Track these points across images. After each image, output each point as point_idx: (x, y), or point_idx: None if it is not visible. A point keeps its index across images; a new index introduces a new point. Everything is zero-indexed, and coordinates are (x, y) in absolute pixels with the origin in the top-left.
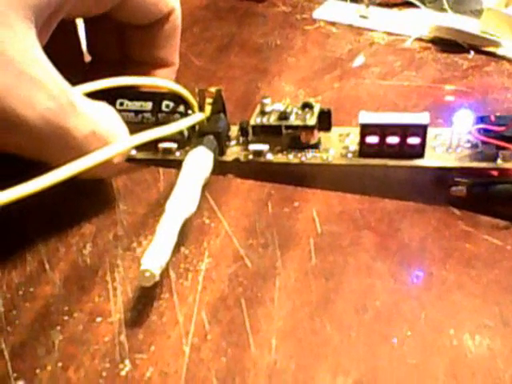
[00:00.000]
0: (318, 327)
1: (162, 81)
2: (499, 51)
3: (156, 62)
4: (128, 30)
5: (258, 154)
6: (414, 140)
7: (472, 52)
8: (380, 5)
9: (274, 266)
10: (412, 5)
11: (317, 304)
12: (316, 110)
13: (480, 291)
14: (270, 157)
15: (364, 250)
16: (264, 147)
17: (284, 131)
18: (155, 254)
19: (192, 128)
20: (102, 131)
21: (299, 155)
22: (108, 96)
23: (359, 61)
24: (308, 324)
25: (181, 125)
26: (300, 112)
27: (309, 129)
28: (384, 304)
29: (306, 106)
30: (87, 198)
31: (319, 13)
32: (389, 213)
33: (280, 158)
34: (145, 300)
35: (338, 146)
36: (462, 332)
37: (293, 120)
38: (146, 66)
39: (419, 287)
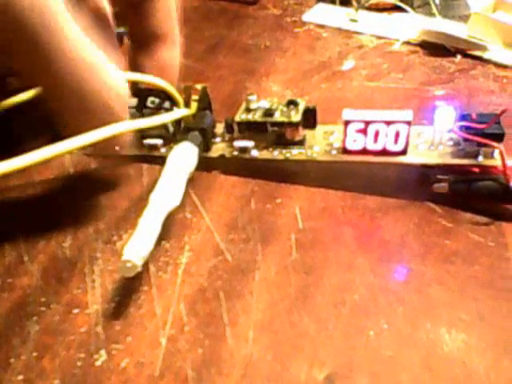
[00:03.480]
0: (296, 320)
1: (148, 77)
2: (485, 55)
3: (156, 38)
4: (124, 5)
5: (243, 150)
6: (397, 137)
7: (459, 56)
8: (369, 9)
9: (254, 260)
10: (401, 9)
11: (295, 297)
12: (301, 107)
13: (458, 286)
14: (255, 153)
15: (344, 245)
16: (249, 144)
17: (269, 128)
18: (137, 245)
19: (177, 125)
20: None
21: (284, 152)
22: None
23: (347, 63)
24: (286, 317)
25: (165, 118)
26: (285, 109)
27: (293, 125)
28: (362, 298)
29: (291, 103)
30: (69, 191)
31: (309, 16)
32: (371, 209)
33: (265, 154)
34: (123, 292)
35: (322, 143)
36: (439, 326)
37: (278, 117)
38: (147, 43)
39: (398, 282)
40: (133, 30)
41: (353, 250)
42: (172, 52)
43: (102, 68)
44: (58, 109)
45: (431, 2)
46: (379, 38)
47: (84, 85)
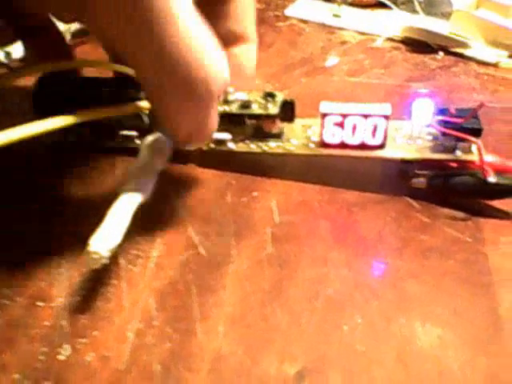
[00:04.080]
0: (269, 314)
1: (115, 65)
2: (467, 52)
3: (233, 38)
4: (200, 4)
5: (220, 142)
6: (375, 130)
7: (441, 53)
8: (352, 5)
9: (228, 254)
10: (384, 6)
11: (269, 291)
12: (279, 99)
13: (433, 281)
14: (231, 146)
15: (320, 239)
16: (226, 136)
17: (247, 121)
18: (104, 236)
19: (153, 116)
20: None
21: (261, 145)
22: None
23: (329, 58)
24: (258, 311)
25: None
26: (263, 101)
27: (271, 118)
28: (337, 292)
29: (269, 95)
30: (38, 181)
31: (292, 10)
32: (348, 204)
33: (242, 147)
34: (91, 286)
35: (300, 136)
36: (413, 321)
37: (255, 109)
38: (224, 43)
39: (373, 276)
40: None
41: (329, 245)
42: (249, 52)
43: (208, 46)
44: (162, 94)
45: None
46: (362, 33)
47: (189, 59)
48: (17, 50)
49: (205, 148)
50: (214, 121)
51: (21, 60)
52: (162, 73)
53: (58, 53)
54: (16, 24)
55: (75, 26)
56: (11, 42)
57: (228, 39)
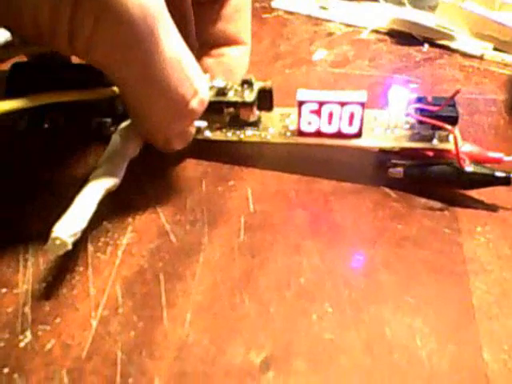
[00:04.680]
0: (237, 302)
1: None
2: (453, 45)
3: (226, 40)
4: (194, 6)
5: (197, 130)
6: (351, 118)
7: (426, 45)
8: None
9: (199, 242)
10: None
11: (239, 280)
12: (256, 87)
13: (406, 270)
14: (208, 134)
15: (295, 228)
16: (202, 124)
17: (225, 110)
18: (68, 222)
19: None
20: (189, 67)
21: (238, 133)
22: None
23: (313, 49)
24: (227, 299)
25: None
26: (239, 89)
27: (247, 105)
28: (308, 281)
29: (246, 82)
30: (8, 165)
31: (278, 2)
32: (324, 194)
33: (218, 135)
34: (56, 273)
35: (278, 125)
36: (383, 309)
37: (231, 96)
38: (217, 46)
39: (345, 265)
40: (202, 32)
41: (303, 234)
42: (241, 56)
43: (193, 73)
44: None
45: None
46: (348, 25)
47: (171, 78)
48: None
49: None
50: (192, 131)
51: (4, 46)
52: (144, 88)
53: None
54: None
55: None
56: None
57: (221, 41)
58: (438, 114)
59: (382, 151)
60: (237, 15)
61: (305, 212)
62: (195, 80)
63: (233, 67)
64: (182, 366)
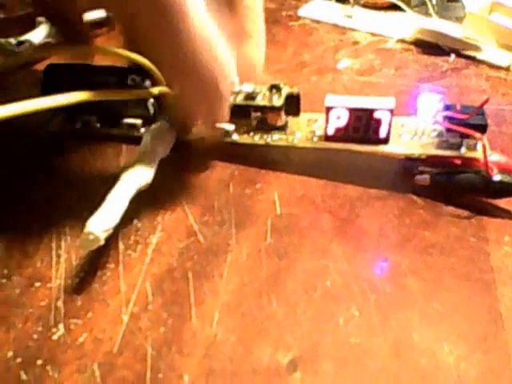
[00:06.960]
0: (264, 303)
1: (129, 53)
2: (479, 55)
3: (240, 35)
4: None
5: (225, 133)
6: (379, 124)
7: (453, 55)
8: (367, 6)
9: (227, 243)
10: (398, 8)
11: (266, 281)
12: (284, 92)
13: (433, 277)
14: (235, 137)
15: (321, 232)
16: (230, 127)
17: (252, 113)
18: (101, 218)
19: (158, 106)
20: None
21: (265, 137)
22: (73, 71)
23: (339, 58)
24: (254, 300)
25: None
26: (268, 93)
27: (275, 110)
28: (334, 285)
29: (274, 87)
30: (44, 167)
31: (305, 11)
32: (351, 199)
33: (246, 138)
34: (88, 268)
35: (305, 130)
36: (410, 315)
37: (259, 100)
38: (231, 41)
39: (372, 271)
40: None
41: (329, 238)
42: (256, 50)
43: (217, 47)
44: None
45: (428, 2)
46: (374, 35)
47: (200, 58)
48: (35, 37)
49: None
50: (225, 114)
51: (40, 46)
52: (176, 66)
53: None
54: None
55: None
56: (26, 31)
57: (235, 37)
58: (467, 122)
59: (409, 158)
60: (249, 11)
61: (331, 217)
62: (224, 63)
63: (248, 66)
64: (210, 364)
